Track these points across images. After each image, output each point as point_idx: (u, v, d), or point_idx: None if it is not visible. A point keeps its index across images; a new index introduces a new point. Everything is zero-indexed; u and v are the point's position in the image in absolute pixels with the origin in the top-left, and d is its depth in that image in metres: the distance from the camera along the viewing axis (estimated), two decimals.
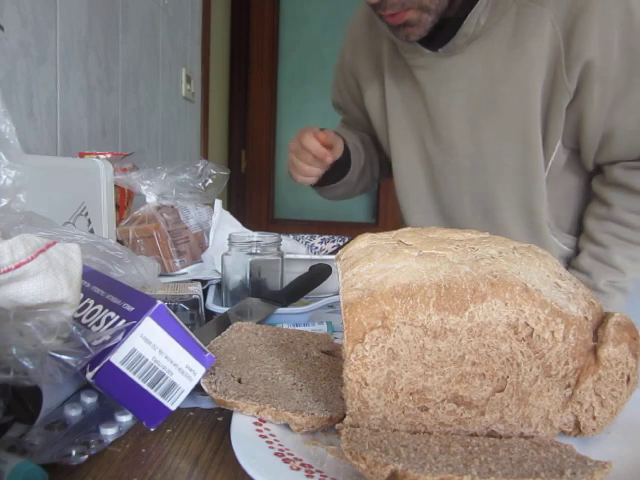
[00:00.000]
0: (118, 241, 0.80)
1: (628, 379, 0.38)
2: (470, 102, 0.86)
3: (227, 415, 0.41)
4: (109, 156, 0.89)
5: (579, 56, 0.77)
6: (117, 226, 0.82)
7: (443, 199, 0.96)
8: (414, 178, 0.97)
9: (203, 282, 0.74)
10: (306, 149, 0.85)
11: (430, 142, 0.92)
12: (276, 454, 0.34)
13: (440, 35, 0.82)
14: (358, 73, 1.00)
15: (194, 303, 0.61)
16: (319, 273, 0.73)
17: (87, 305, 0.42)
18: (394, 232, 0.44)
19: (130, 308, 0.39)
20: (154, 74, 1.69)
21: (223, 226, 0.85)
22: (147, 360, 0.38)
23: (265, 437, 0.36)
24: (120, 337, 0.37)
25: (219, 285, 0.76)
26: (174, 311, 0.40)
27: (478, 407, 0.37)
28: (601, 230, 0.86)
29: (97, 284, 0.44)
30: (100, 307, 0.41)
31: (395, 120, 0.95)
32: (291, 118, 2.81)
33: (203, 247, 0.88)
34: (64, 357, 0.33)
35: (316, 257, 0.83)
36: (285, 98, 2.81)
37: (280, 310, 0.65)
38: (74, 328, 0.35)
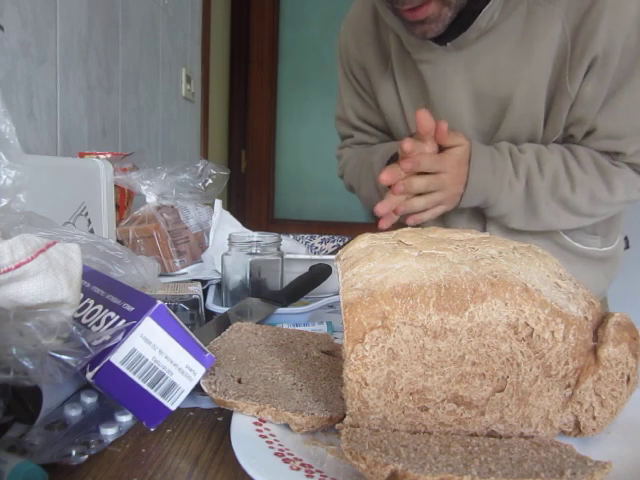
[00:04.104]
0: (118, 241, 0.80)
1: (628, 379, 0.38)
2: (475, 96, 0.85)
3: (227, 415, 0.41)
4: (109, 156, 0.89)
5: (583, 55, 0.75)
6: (117, 226, 0.82)
7: None
8: None
9: (203, 282, 0.73)
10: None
11: None
12: (276, 454, 0.34)
13: (451, 29, 0.79)
14: (366, 66, 0.97)
15: (194, 303, 0.61)
16: (319, 273, 0.73)
17: (87, 305, 0.42)
18: (394, 232, 0.44)
19: (130, 308, 0.39)
20: (154, 74, 1.69)
21: (223, 226, 0.85)
22: (147, 360, 0.38)
23: (265, 437, 0.36)
24: (120, 337, 0.37)
25: (219, 285, 0.76)
26: (174, 311, 0.40)
27: (478, 407, 0.37)
28: (553, 147, 0.84)
29: (97, 284, 0.44)
30: (100, 307, 0.41)
31: (410, 116, 0.92)
32: (291, 118, 2.81)
33: (203, 247, 0.88)
34: (64, 357, 0.33)
35: (316, 257, 0.83)
36: (285, 98, 2.81)
37: (280, 310, 0.65)
38: (74, 328, 0.35)
